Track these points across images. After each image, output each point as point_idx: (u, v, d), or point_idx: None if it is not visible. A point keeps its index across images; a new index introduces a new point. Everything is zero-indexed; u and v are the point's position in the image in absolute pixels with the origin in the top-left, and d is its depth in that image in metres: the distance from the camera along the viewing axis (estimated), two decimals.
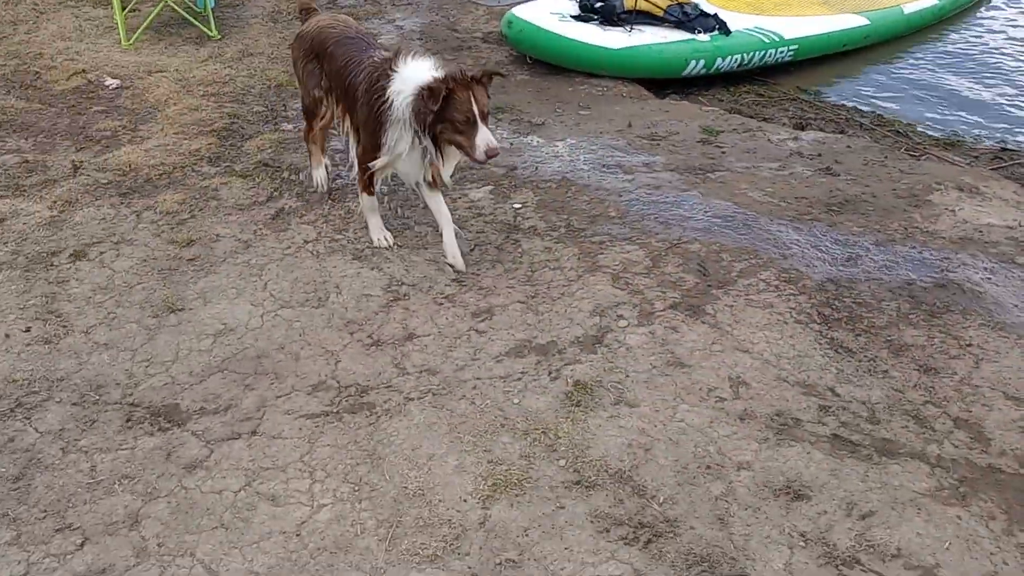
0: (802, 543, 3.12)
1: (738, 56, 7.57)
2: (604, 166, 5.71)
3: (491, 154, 4.00)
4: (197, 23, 7.98)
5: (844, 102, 7.50)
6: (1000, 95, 7.85)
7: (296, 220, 5.04)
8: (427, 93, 4.03)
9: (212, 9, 7.94)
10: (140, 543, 3.13)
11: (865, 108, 7.36)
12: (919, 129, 7.00)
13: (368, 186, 4.72)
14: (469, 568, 3.03)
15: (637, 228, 4.90)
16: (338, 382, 3.86)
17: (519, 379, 3.85)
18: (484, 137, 4.01)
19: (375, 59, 4.48)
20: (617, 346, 4.05)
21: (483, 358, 3.98)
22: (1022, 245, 4.67)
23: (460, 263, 4.59)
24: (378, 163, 4.47)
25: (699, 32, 7.50)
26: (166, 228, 4.95)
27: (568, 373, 3.88)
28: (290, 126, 6.21)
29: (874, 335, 4.10)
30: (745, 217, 4.99)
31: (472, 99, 3.99)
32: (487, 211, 5.17)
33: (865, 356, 3.97)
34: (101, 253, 4.72)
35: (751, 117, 6.80)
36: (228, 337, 4.12)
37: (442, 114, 4.03)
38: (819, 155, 5.84)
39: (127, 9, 7.99)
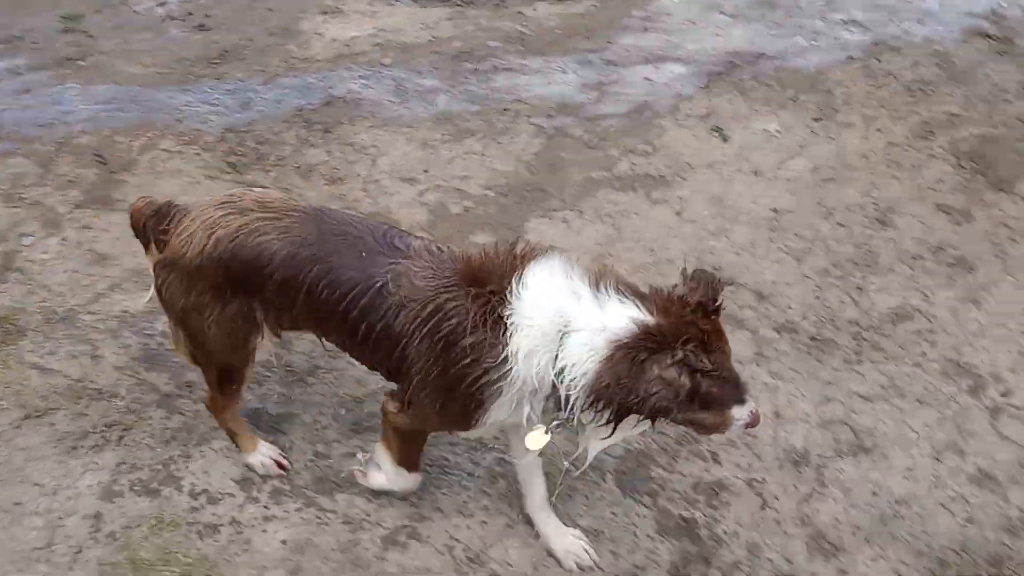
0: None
1: None
2: None
3: (754, 424, 2.56)
4: None
5: None
6: None
7: None
8: (681, 386, 2.29)
9: None
10: None
11: None
12: None
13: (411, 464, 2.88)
14: None
15: (17, 138, 4.44)
16: None
17: None
18: (749, 407, 2.49)
19: (417, 275, 2.48)
20: (32, 265, 3.75)
21: None
22: (384, 48, 5.12)
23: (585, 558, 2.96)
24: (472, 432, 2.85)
25: None
26: None
27: None
28: None
29: (283, 166, 4.30)
30: (130, 94, 4.77)
31: (726, 349, 2.43)
32: None
33: (276, 187, 4.13)
34: None
35: None
36: None
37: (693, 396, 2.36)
38: (190, 14, 5.68)
39: None
